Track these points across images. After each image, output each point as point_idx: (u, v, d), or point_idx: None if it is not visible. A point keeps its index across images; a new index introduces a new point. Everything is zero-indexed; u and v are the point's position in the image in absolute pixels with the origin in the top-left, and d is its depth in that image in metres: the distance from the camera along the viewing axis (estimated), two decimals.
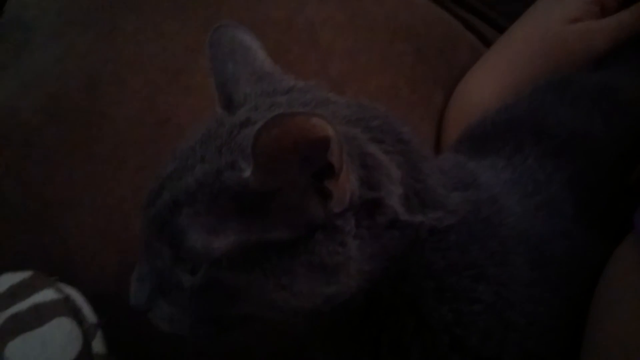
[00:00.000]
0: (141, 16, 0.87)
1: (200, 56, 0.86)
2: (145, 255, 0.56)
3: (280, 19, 0.89)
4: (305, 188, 0.50)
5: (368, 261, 0.53)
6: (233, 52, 0.62)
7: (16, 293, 0.66)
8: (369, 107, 0.59)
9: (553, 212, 0.62)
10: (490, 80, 0.91)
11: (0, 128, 0.81)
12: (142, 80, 0.84)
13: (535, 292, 0.57)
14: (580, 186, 0.64)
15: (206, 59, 0.62)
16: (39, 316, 0.64)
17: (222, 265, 0.51)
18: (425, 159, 0.58)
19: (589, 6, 0.85)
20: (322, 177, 0.50)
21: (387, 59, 0.95)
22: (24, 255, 0.77)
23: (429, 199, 0.55)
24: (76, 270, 0.77)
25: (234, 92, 0.60)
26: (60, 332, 0.64)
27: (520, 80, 0.86)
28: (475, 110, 0.85)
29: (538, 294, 0.57)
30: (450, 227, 0.55)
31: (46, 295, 0.66)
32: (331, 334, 0.58)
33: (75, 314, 0.66)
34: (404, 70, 0.97)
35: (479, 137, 0.74)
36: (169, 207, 0.53)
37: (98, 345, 0.66)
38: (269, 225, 0.51)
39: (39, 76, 0.83)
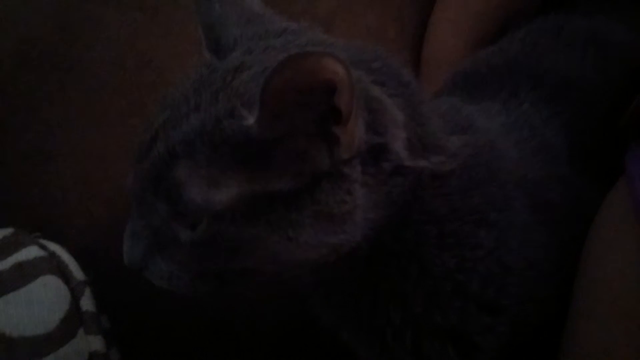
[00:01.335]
0: None
1: None
2: (138, 211, 0.53)
3: None
4: (311, 134, 0.48)
5: (373, 209, 0.51)
6: None
7: None
8: (368, 48, 0.56)
9: (549, 158, 0.62)
10: (450, 29, 0.91)
11: None
12: (119, 21, 0.80)
13: (533, 237, 0.57)
14: (574, 131, 0.64)
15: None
16: (22, 275, 0.61)
17: (225, 219, 0.49)
18: (425, 102, 0.56)
19: None
20: (329, 122, 0.48)
21: None
22: (2, 211, 0.73)
23: (430, 143, 0.54)
24: (59, 224, 0.74)
25: (222, 35, 0.57)
26: (47, 291, 0.61)
27: (480, 28, 0.87)
28: (441, 58, 0.88)
29: (536, 238, 0.57)
30: (451, 172, 0.54)
31: (30, 252, 0.63)
32: (333, 284, 0.57)
33: (61, 271, 0.63)
34: (391, 10, 0.94)
35: (473, 81, 0.73)
36: (164, 159, 0.50)
37: (87, 303, 0.63)
38: (273, 175, 0.49)
39: (8, 17, 0.78)
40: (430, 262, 0.54)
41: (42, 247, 0.64)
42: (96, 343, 0.63)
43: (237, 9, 0.58)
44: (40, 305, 0.60)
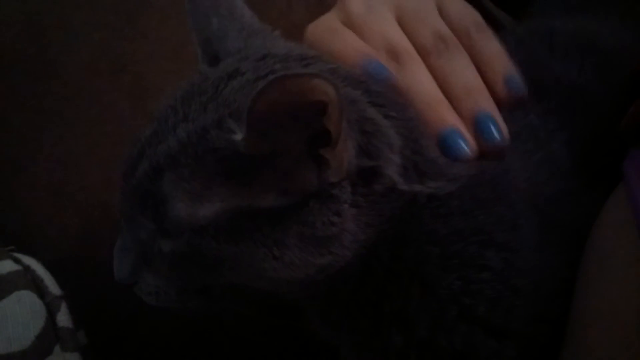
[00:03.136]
0: None
1: None
2: (126, 227, 0.51)
3: None
4: (299, 154, 0.46)
5: (364, 230, 0.50)
6: (217, 5, 0.56)
7: None
8: None
9: (555, 171, 0.59)
10: None
11: None
12: (92, 25, 0.79)
13: (541, 257, 0.54)
14: (580, 144, 0.62)
15: (187, 15, 0.57)
16: None
17: (208, 233, 0.47)
18: (424, 128, 0.54)
19: None
20: (319, 143, 0.46)
21: None
22: None
23: (428, 170, 0.52)
24: (33, 236, 0.72)
25: (220, 49, 0.55)
26: (21, 307, 0.59)
27: None
28: None
29: (544, 258, 0.55)
30: (450, 194, 0.52)
31: (3, 267, 0.61)
32: (330, 300, 0.55)
33: (36, 286, 0.61)
34: None
35: None
36: (149, 175, 0.48)
37: (63, 319, 0.61)
38: (258, 191, 0.47)
39: None
40: (434, 283, 0.52)
41: (17, 260, 0.62)
42: None
43: (236, 24, 0.57)
44: (14, 321, 0.58)
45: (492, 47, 0.61)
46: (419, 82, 0.58)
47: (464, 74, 0.58)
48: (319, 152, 0.46)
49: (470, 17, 0.62)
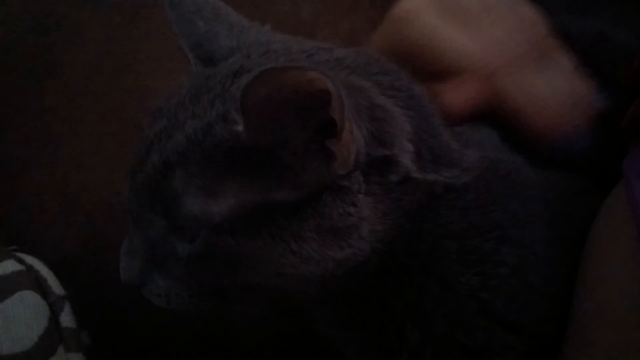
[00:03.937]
0: None
1: None
2: (134, 226, 0.50)
3: None
4: (304, 147, 0.46)
5: (381, 219, 0.49)
6: (200, 9, 0.56)
7: None
8: (378, 59, 0.54)
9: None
10: None
11: None
12: (96, 24, 0.79)
13: (551, 253, 0.55)
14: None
15: (171, 22, 0.56)
16: None
17: (224, 231, 0.47)
18: (437, 114, 0.54)
19: None
20: (325, 135, 0.46)
21: (359, 1, 0.90)
22: None
23: (443, 157, 0.52)
24: (36, 235, 0.72)
25: (212, 50, 0.55)
26: (24, 307, 0.58)
27: None
28: None
29: (555, 254, 0.55)
30: (466, 185, 0.52)
31: (6, 267, 0.60)
32: (341, 299, 0.55)
33: (39, 286, 0.61)
34: (374, 13, 0.92)
35: None
36: (159, 170, 0.47)
37: (67, 319, 0.61)
38: (271, 185, 0.47)
39: None
40: (452, 279, 0.52)
41: (20, 260, 0.62)
42: None
43: (224, 23, 0.57)
44: (17, 322, 0.58)
45: (569, 61, 0.63)
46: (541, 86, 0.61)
47: (564, 87, 0.61)
48: (324, 144, 0.46)
49: (543, 25, 0.63)
